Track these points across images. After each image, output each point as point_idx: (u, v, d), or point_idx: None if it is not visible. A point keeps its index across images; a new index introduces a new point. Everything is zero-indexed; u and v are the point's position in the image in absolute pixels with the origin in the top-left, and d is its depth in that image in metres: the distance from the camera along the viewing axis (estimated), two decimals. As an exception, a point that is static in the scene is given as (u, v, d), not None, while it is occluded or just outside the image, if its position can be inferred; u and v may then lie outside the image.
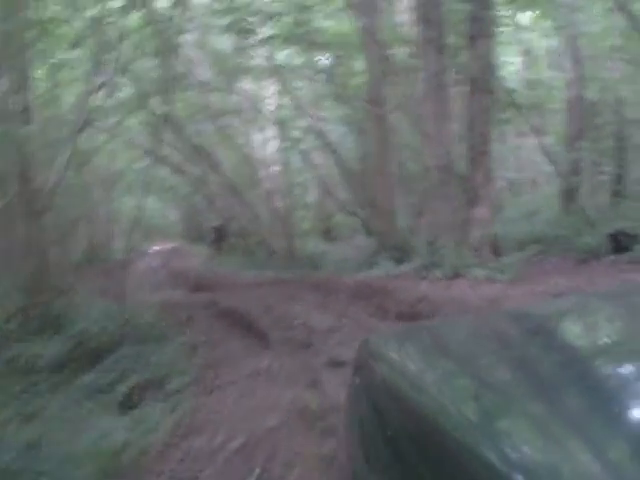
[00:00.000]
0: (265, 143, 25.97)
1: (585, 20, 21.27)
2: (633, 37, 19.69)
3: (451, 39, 14.33)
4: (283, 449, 5.37)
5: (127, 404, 6.86)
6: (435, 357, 1.87)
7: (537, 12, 22.98)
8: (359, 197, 20.97)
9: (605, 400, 1.35)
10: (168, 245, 40.56)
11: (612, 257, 14.02)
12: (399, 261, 14.50)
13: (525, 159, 31.01)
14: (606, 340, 1.95)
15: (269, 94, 24.53)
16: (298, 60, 21.77)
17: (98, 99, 13.14)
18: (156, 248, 38.86)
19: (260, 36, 18.49)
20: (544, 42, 29.83)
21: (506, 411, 1.41)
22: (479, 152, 13.69)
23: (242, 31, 18.19)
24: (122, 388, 7.19)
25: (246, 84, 24.20)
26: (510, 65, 26.65)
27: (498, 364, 1.72)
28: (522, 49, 28.44)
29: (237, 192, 23.36)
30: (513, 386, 1.51)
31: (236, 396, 7.00)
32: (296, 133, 24.53)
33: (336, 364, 7.98)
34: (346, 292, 13.02)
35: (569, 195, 20.11)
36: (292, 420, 6.05)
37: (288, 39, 18.94)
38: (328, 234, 29.12)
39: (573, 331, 2.12)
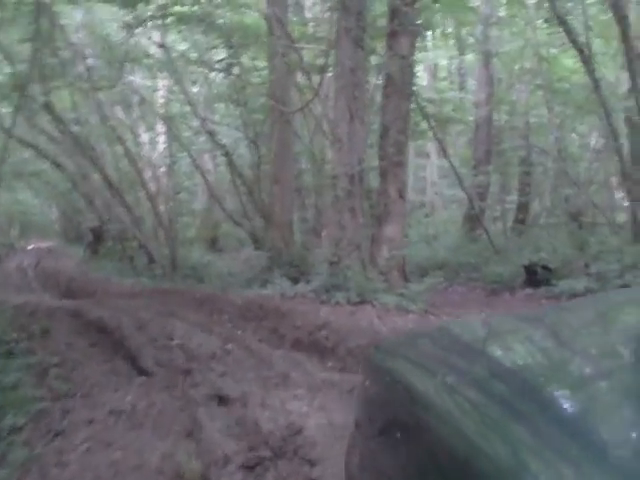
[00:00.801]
0: (153, 142, 24.44)
1: (500, 38, 20.62)
2: (547, 60, 18.99)
3: (369, 34, 12.88)
4: None
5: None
6: (444, 363, 1.77)
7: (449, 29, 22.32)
8: (249, 207, 19.47)
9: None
10: (44, 244, 39.74)
11: (528, 290, 13.02)
12: (295, 280, 12.91)
13: (424, 180, 30.33)
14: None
15: (160, 88, 23.06)
16: (194, 53, 20.11)
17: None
18: (30, 247, 38.20)
19: (152, 12, 16.80)
20: (451, 59, 29.30)
21: (512, 421, 1.33)
22: (393, 163, 12.39)
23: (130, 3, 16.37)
24: None
25: (136, 76, 22.64)
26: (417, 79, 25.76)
27: (507, 370, 1.67)
28: (427, 65, 27.64)
29: (118, 192, 21.57)
30: (521, 396, 1.43)
31: (87, 446, 5.34)
32: (186, 133, 23.08)
33: (220, 400, 6.74)
34: (234, 312, 11.55)
35: (472, 220, 19.25)
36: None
37: (183, 19, 17.22)
38: (214, 244, 27.85)
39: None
